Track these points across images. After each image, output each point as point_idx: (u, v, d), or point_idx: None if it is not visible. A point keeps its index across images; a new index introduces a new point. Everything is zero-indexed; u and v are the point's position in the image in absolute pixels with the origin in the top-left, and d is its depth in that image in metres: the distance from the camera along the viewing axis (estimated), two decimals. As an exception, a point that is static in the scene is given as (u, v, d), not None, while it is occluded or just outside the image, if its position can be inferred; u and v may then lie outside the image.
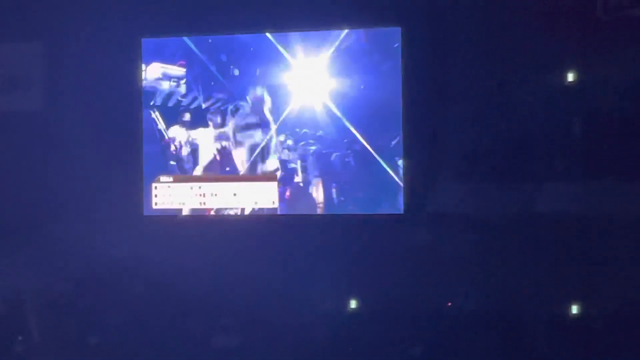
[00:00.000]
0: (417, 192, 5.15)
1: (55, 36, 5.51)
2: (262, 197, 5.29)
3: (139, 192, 5.41)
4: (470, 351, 5.03)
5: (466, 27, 5.11)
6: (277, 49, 5.22)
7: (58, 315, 5.46)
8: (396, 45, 5.10)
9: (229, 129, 5.32)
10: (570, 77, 5.03)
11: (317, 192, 5.22)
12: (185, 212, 5.36)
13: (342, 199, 5.19)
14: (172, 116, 5.39)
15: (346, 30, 5.14)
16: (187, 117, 5.36)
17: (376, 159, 5.13)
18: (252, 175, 5.31)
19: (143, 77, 5.39)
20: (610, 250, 4.90)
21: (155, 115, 5.39)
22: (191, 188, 5.36)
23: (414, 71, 5.12)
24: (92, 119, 5.41)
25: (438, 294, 5.11)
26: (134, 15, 5.34)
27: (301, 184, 5.24)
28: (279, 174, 5.23)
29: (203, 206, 5.34)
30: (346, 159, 5.16)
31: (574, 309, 5.00)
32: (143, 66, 5.39)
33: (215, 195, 5.33)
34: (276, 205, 5.27)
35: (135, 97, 5.42)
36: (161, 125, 5.39)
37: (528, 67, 5.02)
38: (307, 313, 5.20)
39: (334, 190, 5.20)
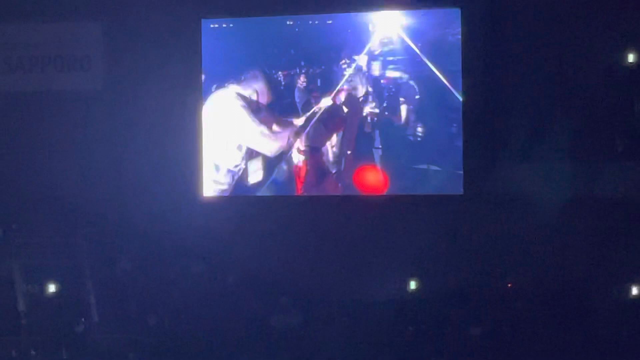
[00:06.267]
0: (477, 173, 5.15)
1: (115, 17, 5.54)
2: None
3: (198, 175, 5.44)
4: (531, 330, 5.01)
5: (526, 9, 5.11)
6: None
7: (118, 295, 5.49)
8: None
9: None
10: (631, 57, 5.02)
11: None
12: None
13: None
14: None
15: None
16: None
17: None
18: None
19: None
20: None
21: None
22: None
23: (473, 53, 5.12)
24: (153, 100, 5.44)
25: (498, 275, 5.11)
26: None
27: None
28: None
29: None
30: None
31: (635, 290, 5.01)
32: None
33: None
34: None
35: (196, 76, 5.44)
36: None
37: (589, 47, 5.01)
38: (367, 293, 5.22)
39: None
